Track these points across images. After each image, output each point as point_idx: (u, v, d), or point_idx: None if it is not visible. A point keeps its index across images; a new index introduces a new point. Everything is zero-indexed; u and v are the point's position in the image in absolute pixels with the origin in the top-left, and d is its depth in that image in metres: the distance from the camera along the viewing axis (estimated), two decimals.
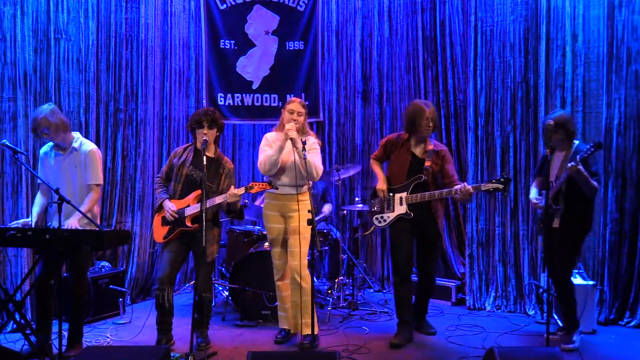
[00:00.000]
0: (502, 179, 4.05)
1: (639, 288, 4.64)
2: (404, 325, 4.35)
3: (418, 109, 4.32)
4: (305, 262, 4.18)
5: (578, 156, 3.86)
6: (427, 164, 4.29)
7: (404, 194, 4.33)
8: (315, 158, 4.15)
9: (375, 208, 4.47)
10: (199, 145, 4.12)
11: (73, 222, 3.78)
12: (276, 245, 4.28)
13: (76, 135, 4.08)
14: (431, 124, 4.30)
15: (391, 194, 4.39)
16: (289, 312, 4.28)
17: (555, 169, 4.08)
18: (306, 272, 4.17)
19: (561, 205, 4.01)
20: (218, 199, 4.01)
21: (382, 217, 4.42)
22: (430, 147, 4.36)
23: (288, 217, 4.22)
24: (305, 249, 4.21)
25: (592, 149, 3.83)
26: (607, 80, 4.75)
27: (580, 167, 3.84)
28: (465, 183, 4.17)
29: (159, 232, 4.22)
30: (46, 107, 3.94)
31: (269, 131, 4.45)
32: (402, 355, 4.06)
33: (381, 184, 4.39)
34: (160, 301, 4.07)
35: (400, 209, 4.33)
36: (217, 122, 4.18)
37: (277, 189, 4.13)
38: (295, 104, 4.22)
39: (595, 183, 3.94)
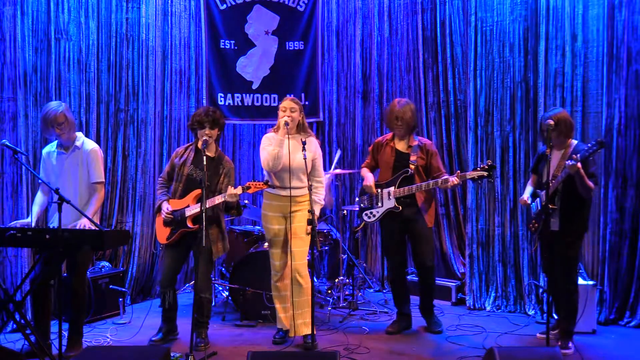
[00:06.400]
0: (486, 166, 4.11)
1: (639, 288, 4.65)
2: (401, 316, 4.61)
3: (388, 107, 4.53)
4: (305, 261, 4.19)
5: (579, 154, 3.76)
6: (413, 157, 4.39)
7: (391, 189, 4.39)
8: (321, 169, 4.35)
9: (364, 204, 4.53)
10: (199, 145, 4.13)
11: (85, 222, 3.76)
12: (275, 246, 4.27)
13: (79, 134, 4.09)
14: (399, 122, 4.37)
15: (379, 189, 4.46)
16: (288, 312, 4.27)
17: (552, 168, 4.01)
18: (306, 272, 4.17)
19: (558, 205, 3.94)
20: (217, 199, 4.02)
21: (371, 213, 4.49)
22: (414, 142, 4.45)
23: (289, 218, 4.21)
24: (306, 248, 4.22)
25: (595, 148, 3.71)
26: (607, 80, 4.74)
27: (579, 165, 3.76)
28: (451, 176, 4.29)
29: (162, 234, 4.24)
30: (60, 103, 3.98)
31: (269, 131, 4.45)
32: (402, 355, 4.06)
33: (368, 181, 4.48)
34: (163, 301, 4.23)
35: (389, 203, 4.39)
36: (218, 122, 4.19)
37: (274, 187, 4.14)
38: (286, 102, 4.23)
39: (591, 183, 3.86)
